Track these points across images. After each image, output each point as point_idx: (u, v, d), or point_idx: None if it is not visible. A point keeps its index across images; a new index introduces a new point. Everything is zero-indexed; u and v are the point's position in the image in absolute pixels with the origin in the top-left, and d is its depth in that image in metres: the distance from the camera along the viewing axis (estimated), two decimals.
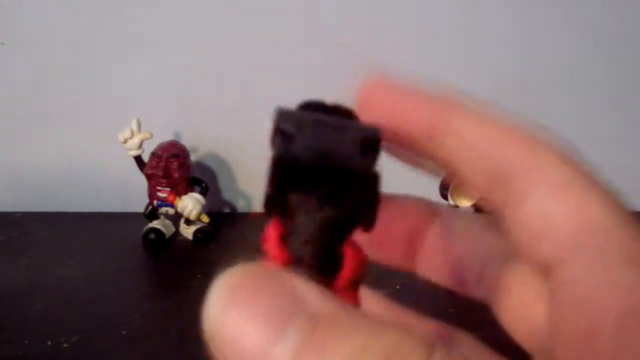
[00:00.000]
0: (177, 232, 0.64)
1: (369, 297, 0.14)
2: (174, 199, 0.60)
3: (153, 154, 0.60)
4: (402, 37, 0.65)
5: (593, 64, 0.66)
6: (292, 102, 0.14)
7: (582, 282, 0.12)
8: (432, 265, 0.17)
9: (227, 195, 0.72)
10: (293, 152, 0.13)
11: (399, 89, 0.15)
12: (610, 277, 0.12)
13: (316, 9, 0.64)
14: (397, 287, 0.47)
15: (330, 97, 0.14)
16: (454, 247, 0.16)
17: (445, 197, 0.54)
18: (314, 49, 0.64)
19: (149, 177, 0.60)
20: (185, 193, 0.61)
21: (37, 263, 0.58)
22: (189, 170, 0.62)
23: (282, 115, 0.13)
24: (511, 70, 0.66)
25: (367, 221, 0.13)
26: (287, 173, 0.13)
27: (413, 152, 0.15)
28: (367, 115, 0.14)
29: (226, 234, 0.64)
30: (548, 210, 0.13)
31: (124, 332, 0.47)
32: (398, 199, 0.17)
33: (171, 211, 0.62)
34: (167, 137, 0.64)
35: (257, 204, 0.71)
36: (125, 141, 0.59)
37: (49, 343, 0.46)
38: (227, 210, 0.72)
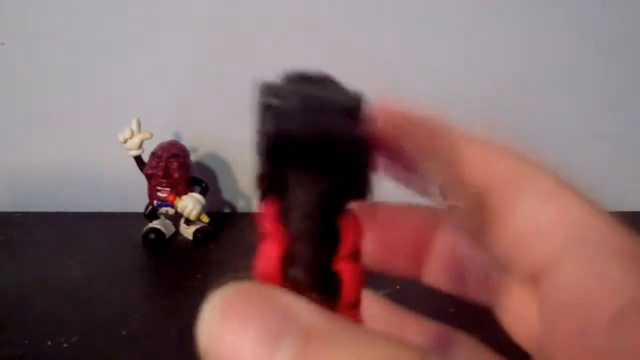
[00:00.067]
0: (177, 232, 0.64)
1: (368, 298, 0.14)
2: (174, 199, 0.60)
3: (153, 154, 0.60)
4: (402, 37, 0.65)
5: (593, 64, 0.66)
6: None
7: (574, 283, 0.12)
8: (438, 273, 0.17)
9: (227, 195, 0.72)
10: (284, 127, 0.12)
11: (399, 113, 0.15)
12: (602, 276, 0.12)
13: (316, 9, 0.64)
14: (397, 287, 0.47)
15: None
16: (460, 254, 0.16)
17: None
18: (314, 48, 0.64)
19: (149, 177, 0.60)
20: (185, 193, 0.61)
21: (37, 263, 0.58)
22: (189, 170, 0.62)
23: (268, 90, 0.12)
24: (511, 70, 0.66)
25: (362, 189, 0.13)
26: (280, 149, 0.12)
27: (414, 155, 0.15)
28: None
29: (226, 234, 0.64)
30: (535, 217, 0.13)
31: (124, 332, 0.47)
32: (406, 208, 0.17)
33: (171, 211, 0.62)
34: (167, 137, 0.64)
35: (257, 204, 0.71)
36: (125, 141, 0.59)
37: (49, 343, 0.46)
38: (227, 210, 0.72)
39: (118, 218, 0.67)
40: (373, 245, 0.16)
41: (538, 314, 0.13)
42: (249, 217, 0.70)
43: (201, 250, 0.61)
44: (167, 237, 0.62)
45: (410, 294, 0.19)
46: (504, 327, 0.15)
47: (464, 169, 0.14)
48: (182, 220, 0.63)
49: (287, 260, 0.12)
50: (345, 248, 0.13)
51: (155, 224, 0.62)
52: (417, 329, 0.18)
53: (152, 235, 0.61)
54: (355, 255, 0.13)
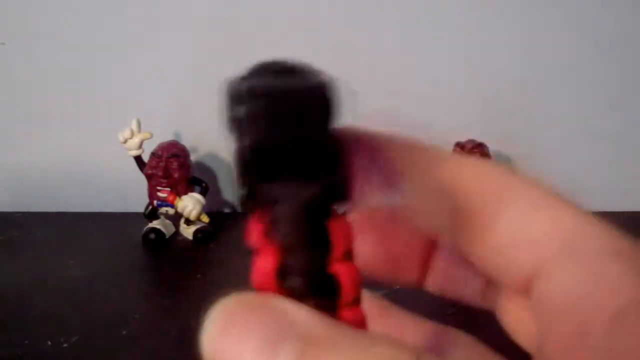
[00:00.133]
0: (177, 232, 0.64)
1: (366, 299, 0.14)
2: (174, 199, 0.60)
3: (153, 154, 0.60)
4: (402, 37, 0.65)
5: (593, 64, 0.66)
6: None
7: (571, 286, 0.12)
8: (440, 279, 0.17)
9: (227, 195, 0.72)
10: (257, 142, 0.12)
11: (378, 137, 0.15)
12: (600, 276, 0.12)
13: (316, 9, 0.64)
14: (396, 287, 0.47)
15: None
16: (461, 260, 0.16)
17: None
18: (314, 48, 0.64)
19: (149, 177, 0.60)
20: (185, 193, 0.61)
21: (37, 263, 0.58)
22: (189, 170, 0.62)
23: (236, 98, 0.12)
24: (511, 70, 0.66)
25: (346, 190, 0.13)
26: (256, 165, 0.12)
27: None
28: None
29: (226, 234, 0.64)
30: (523, 226, 0.14)
31: (124, 332, 0.47)
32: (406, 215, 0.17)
33: (171, 211, 0.62)
34: (167, 137, 0.64)
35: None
36: (125, 141, 0.59)
37: (49, 343, 0.46)
38: (227, 210, 0.72)
39: (118, 218, 0.67)
40: (375, 255, 0.16)
41: (534, 316, 0.13)
42: (248, 218, 0.70)
43: (201, 250, 0.61)
44: (167, 237, 0.62)
45: (409, 294, 0.19)
46: (505, 328, 0.16)
47: (446, 183, 0.14)
48: (182, 220, 0.63)
49: (283, 270, 0.12)
50: (337, 250, 0.13)
51: (155, 224, 0.62)
52: (415, 330, 0.18)
53: (152, 235, 0.61)
54: (350, 254, 0.13)
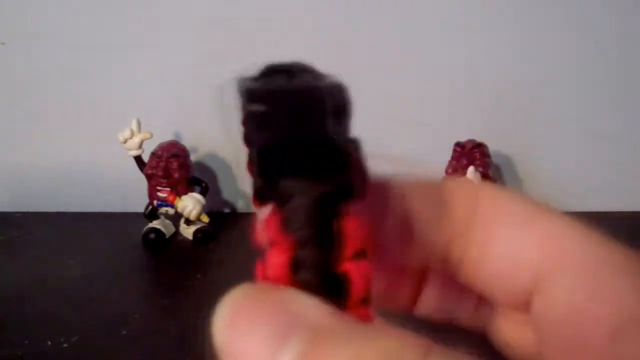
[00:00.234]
0: (177, 232, 0.64)
1: None
2: (174, 199, 0.60)
3: (153, 154, 0.60)
4: (402, 37, 0.65)
5: (593, 64, 0.66)
6: None
7: (569, 300, 0.12)
8: (434, 304, 0.17)
9: (227, 195, 0.72)
10: (273, 139, 0.12)
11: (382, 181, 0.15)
12: (598, 289, 0.12)
13: (316, 9, 0.64)
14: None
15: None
16: (452, 283, 0.16)
17: None
18: (314, 48, 0.64)
19: (149, 177, 0.60)
20: (185, 193, 0.61)
21: (37, 263, 0.58)
22: (189, 170, 0.62)
23: (251, 95, 0.12)
24: (511, 70, 0.66)
25: (360, 188, 0.13)
26: (272, 162, 0.12)
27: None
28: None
29: (226, 234, 0.64)
30: (517, 245, 0.14)
31: (124, 332, 0.47)
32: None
33: (171, 211, 0.62)
34: (167, 137, 0.64)
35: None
36: (125, 141, 0.59)
37: (49, 343, 0.46)
38: (227, 210, 0.72)
39: (118, 218, 0.67)
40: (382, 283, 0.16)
41: (533, 330, 0.13)
42: (249, 217, 0.70)
43: (201, 250, 0.61)
44: (167, 237, 0.62)
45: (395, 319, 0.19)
46: (497, 346, 0.16)
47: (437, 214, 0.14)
48: (182, 220, 0.63)
49: (295, 266, 0.12)
50: (349, 248, 0.13)
51: (155, 224, 0.62)
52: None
53: (152, 235, 0.61)
54: (362, 253, 0.13)
